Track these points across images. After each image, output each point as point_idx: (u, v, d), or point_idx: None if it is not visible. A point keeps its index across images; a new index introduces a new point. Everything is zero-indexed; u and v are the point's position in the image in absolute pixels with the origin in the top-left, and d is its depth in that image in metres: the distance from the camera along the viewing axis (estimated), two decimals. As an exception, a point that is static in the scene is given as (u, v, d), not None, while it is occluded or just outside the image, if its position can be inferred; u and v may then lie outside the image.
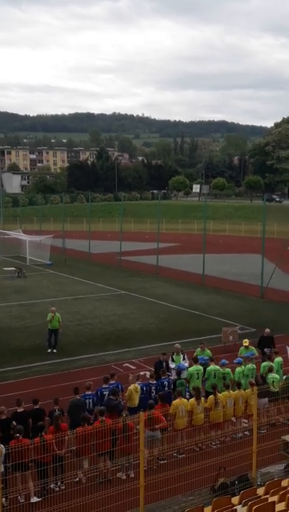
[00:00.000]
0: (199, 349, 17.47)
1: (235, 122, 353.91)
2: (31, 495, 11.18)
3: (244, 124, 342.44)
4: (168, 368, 16.23)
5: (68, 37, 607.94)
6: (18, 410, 12.60)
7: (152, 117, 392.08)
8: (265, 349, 18.37)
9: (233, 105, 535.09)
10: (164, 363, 16.27)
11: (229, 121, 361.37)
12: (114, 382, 14.42)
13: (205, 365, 16.01)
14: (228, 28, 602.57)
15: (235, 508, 9.63)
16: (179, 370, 15.79)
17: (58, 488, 11.49)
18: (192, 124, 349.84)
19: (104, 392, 13.89)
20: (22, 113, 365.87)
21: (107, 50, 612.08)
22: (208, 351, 17.35)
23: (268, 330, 19.48)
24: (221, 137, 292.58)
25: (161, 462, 12.72)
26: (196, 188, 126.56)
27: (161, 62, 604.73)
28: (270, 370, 15.55)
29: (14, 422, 12.03)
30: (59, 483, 11.61)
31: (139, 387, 14.39)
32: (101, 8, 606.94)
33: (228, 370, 15.79)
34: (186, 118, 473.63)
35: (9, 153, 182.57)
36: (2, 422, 12.13)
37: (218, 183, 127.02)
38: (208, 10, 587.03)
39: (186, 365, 16.37)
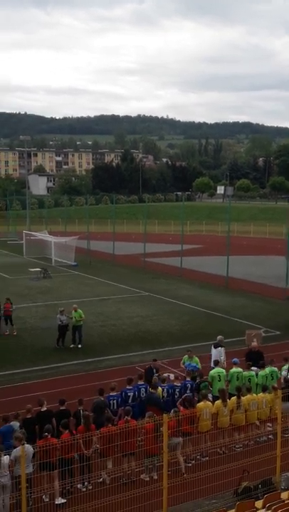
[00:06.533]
0: (187, 356, 17.14)
1: (260, 123, 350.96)
2: (56, 495, 11.28)
3: (269, 125, 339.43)
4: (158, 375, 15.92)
5: (92, 39, 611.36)
6: (42, 409, 12.78)
7: (176, 119, 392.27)
8: (253, 368, 16.07)
9: (257, 106, 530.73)
10: (155, 370, 16.05)
11: (254, 122, 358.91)
12: (142, 384, 14.51)
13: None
14: (251, 29, 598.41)
15: (258, 512, 9.60)
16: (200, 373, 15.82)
17: (84, 489, 11.58)
18: (216, 125, 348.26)
19: (129, 393, 13.97)
20: (48, 115, 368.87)
21: (130, 52, 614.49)
22: (196, 358, 17.00)
23: (255, 344, 18.26)
24: (245, 138, 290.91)
25: (188, 464, 12.74)
26: (220, 189, 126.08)
27: (184, 63, 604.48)
28: None
29: (36, 427, 12.28)
30: (86, 483, 11.70)
31: (163, 389, 14.41)
32: (124, 11, 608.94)
33: (253, 373, 15.69)
34: (210, 119, 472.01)
35: (35, 155, 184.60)
36: (27, 420, 12.36)
37: (242, 184, 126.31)
38: (230, 11, 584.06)
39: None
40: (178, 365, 17.65)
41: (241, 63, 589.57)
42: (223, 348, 17.97)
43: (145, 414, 12.89)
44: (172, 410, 12.78)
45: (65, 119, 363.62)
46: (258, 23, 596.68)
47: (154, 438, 11.74)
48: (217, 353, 17.73)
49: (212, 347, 18.17)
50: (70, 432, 11.62)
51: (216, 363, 16.24)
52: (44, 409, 12.80)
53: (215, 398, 14.45)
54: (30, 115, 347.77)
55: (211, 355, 18.00)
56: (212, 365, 16.84)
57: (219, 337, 18.60)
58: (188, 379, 15.10)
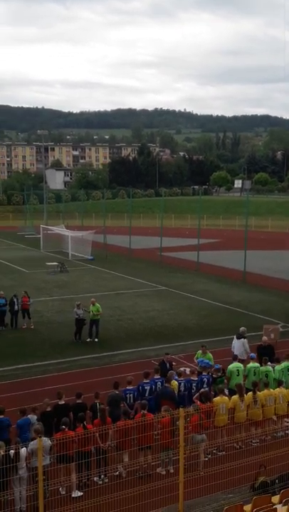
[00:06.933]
0: (200, 352, 16.98)
1: (279, 116, 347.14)
2: (73, 488, 11.35)
3: (288, 117, 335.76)
4: (171, 368, 15.81)
5: (109, 32, 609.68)
6: (60, 403, 12.85)
7: (194, 112, 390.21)
8: (269, 363, 15.89)
9: (276, 99, 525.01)
10: (168, 364, 15.97)
11: (272, 115, 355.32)
12: (159, 378, 14.50)
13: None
14: (269, 21, 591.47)
15: (275, 507, 9.56)
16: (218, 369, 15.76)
17: (101, 482, 11.63)
18: (235, 118, 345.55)
19: (146, 387, 13.97)
20: (65, 110, 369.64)
21: (147, 45, 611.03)
22: (210, 354, 16.83)
23: (265, 338, 18.29)
24: (264, 131, 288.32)
25: (205, 459, 12.72)
26: (237, 183, 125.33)
27: (202, 56, 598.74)
28: None
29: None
30: (102, 477, 11.76)
31: (177, 383, 14.38)
32: (141, 3, 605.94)
33: (270, 367, 15.60)
34: (228, 112, 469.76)
35: (53, 149, 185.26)
36: (46, 414, 12.43)
37: (260, 178, 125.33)
38: (247, 2, 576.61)
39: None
40: (193, 359, 17.61)
41: (259, 55, 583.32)
42: (246, 340, 18.05)
43: (160, 408, 12.89)
44: (192, 406, 12.76)
45: (82, 113, 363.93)
46: (276, 14, 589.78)
47: (170, 432, 11.74)
48: (240, 345, 17.83)
49: (234, 338, 18.26)
50: (84, 426, 11.64)
51: (235, 358, 16.18)
52: (62, 402, 12.87)
53: (231, 392, 14.43)
54: (48, 109, 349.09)
55: (233, 346, 18.13)
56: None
57: (242, 328, 18.70)
58: (204, 373, 15.05)
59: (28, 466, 10.60)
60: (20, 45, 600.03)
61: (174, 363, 16.81)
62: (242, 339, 18.01)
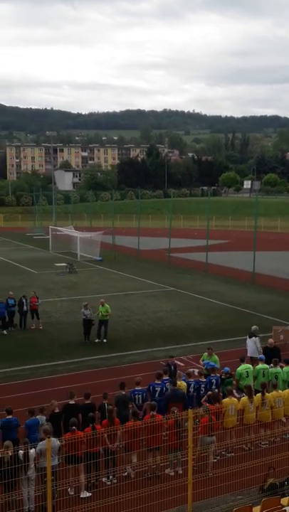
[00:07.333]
0: (206, 354, 16.95)
1: (288, 117, 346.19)
2: (82, 488, 11.34)
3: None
4: (176, 371, 15.70)
5: (117, 34, 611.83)
6: (70, 402, 12.86)
7: (203, 113, 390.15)
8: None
9: (284, 99, 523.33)
10: (172, 366, 15.88)
11: (282, 115, 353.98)
12: (167, 378, 14.47)
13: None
14: (277, 21, 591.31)
15: (284, 509, 9.52)
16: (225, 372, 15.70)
17: (109, 482, 11.62)
18: (244, 119, 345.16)
19: (157, 388, 13.93)
20: (74, 111, 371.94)
21: (155, 47, 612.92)
22: (216, 357, 16.80)
23: (271, 340, 18.08)
24: (273, 132, 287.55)
25: (214, 460, 12.67)
26: (246, 184, 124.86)
27: (210, 57, 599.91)
28: None
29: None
30: (111, 477, 11.75)
31: (186, 384, 14.36)
32: (150, 5, 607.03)
33: (280, 369, 15.52)
34: (237, 113, 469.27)
35: (62, 150, 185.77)
36: (55, 415, 12.43)
37: (269, 179, 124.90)
38: (256, 3, 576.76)
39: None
40: (200, 361, 17.56)
41: (268, 56, 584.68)
42: (257, 338, 18.15)
43: (169, 409, 12.84)
44: (202, 408, 12.73)
45: (91, 114, 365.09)
46: (284, 14, 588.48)
47: (175, 433, 11.71)
48: (252, 343, 17.95)
49: (247, 337, 18.39)
50: (92, 426, 11.64)
51: (242, 360, 16.13)
52: (72, 402, 12.87)
53: (239, 391, 14.45)
54: (56, 111, 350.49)
55: (246, 346, 18.26)
56: (248, 354, 17.02)
57: (254, 327, 18.85)
58: (212, 374, 15.01)
59: (36, 467, 10.61)
60: (28, 47, 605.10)
61: (181, 364, 16.72)
62: (254, 338, 18.03)
